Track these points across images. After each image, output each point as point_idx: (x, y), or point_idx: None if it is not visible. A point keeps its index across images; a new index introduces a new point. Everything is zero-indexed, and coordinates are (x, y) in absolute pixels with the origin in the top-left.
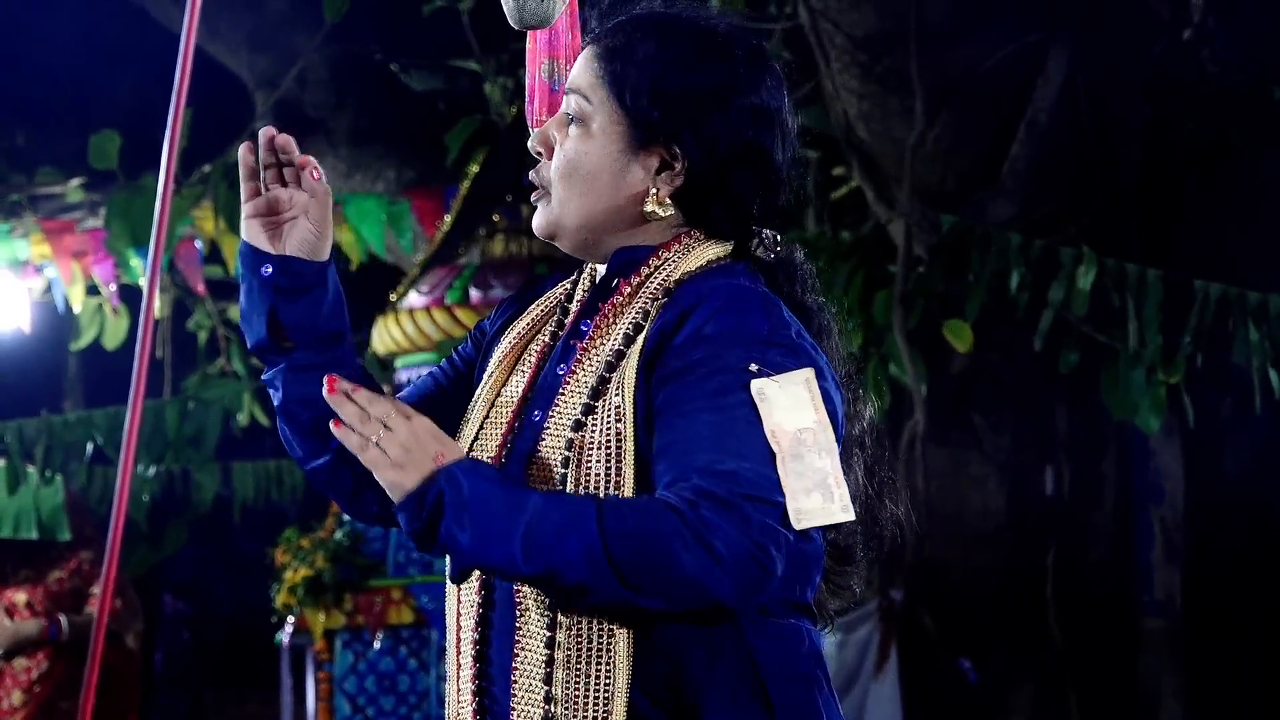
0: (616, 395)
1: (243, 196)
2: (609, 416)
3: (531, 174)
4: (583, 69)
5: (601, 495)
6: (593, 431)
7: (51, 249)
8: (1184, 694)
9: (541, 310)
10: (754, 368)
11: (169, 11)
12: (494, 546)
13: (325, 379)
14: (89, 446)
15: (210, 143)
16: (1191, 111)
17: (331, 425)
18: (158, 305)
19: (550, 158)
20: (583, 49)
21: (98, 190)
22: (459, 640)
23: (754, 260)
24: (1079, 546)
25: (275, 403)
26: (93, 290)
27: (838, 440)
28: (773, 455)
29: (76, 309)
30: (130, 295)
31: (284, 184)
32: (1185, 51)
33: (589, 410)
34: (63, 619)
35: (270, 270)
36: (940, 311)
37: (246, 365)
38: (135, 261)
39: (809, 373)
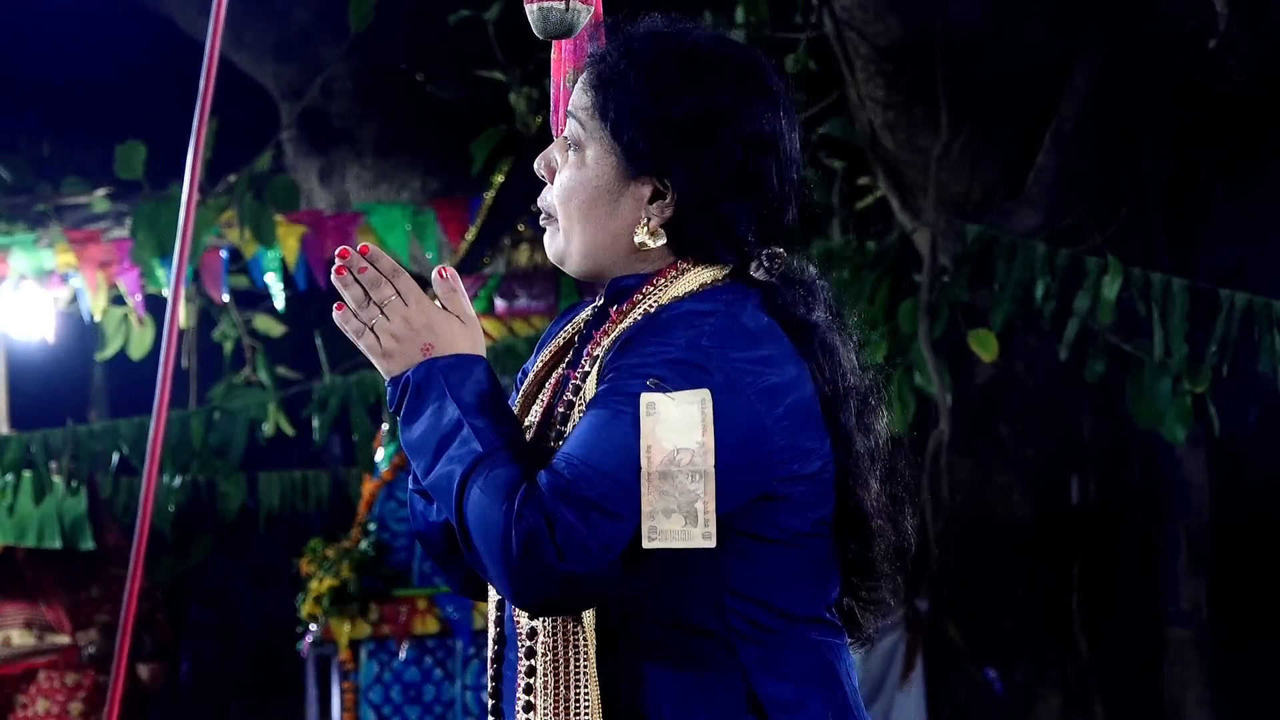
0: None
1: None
2: None
3: (539, 199)
4: (578, 93)
5: None
6: None
7: (77, 259)
8: (1210, 704)
9: (560, 342)
10: (652, 381)
11: (194, 22)
12: (418, 453)
13: (338, 251)
14: (114, 456)
15: (235, 153)
16: (1218, 120)
17: (335, 309)
18: (183, 315)
19: (553, 181)
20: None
21: (123, 200)
22: (488, 656)
23: (751, 281)
24: (1104, 556)
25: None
26: (118, 300)
27: (776, 465)
28: (637, 468)
29: (101, 319)
30: (156, 305)
31: None
32: (1211, 60)
33: (559, 436)
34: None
35: None
36: (965, 321)
37: (272, 375)
38: (161, 271)
39: (705, 394)
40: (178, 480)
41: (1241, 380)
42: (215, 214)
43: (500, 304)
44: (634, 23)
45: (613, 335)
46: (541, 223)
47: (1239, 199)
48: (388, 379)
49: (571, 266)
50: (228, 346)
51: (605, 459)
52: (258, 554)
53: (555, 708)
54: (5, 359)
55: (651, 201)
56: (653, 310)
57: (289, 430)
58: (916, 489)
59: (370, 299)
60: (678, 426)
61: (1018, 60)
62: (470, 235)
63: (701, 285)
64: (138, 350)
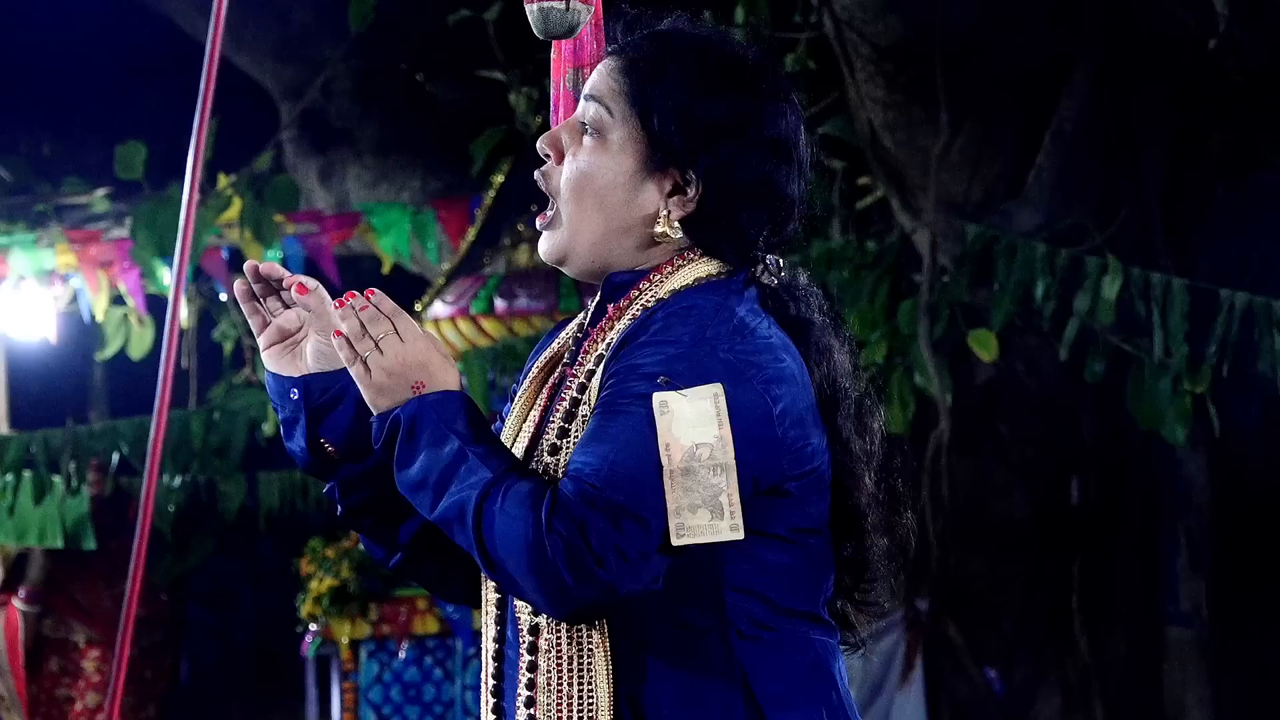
0: (587, 415)
1: (254, 330)
2: (579, 438)
3: (537, 174)
4: (605, 79)
5: None
6: (566, 455)
7: (77, 259)
8: (1210, 704)
9: (556, 346)
10: (662, 379)
11: (194, 22)
12: (418, 489)
13: (345, 295)
14: (115, 456)
15: (236, 153)
16: (1217, 120)
17: (332, 335)
18: (183, 315)
19: (560, 162)
20: (605, 56)
21: (123, 200)
22: (486, 654)
23: (746, 279)
24: (1104, 556)
25: (338, 514)
26: (118, 300)
27: (784, 456)
28: (659, 468)
29: (101, 319)
30: (156, 305)
31: (287, 306)
32: (1211, 61)
33: (563, 434)
34: None
35: (297, 393)
36: (965, 321)
37: None
38: (161, 271)
39: (717, 388)
40: (178, 480)
41: (1241, 380)
42: (215, 214)
43: (500, 304)
44: (659, 18)
45: (612, 332)
46: (539, 224)
47: (1239, 199)
48: (374, 414)
49: (576, 261)
50: (228, 346)
51: (628, 463)
52: (258, 554)
53: (559, 704)
54: (5, 359)
55: (672, 195)
56: (651, 305)
57: None
58: (916, 489)
59: (366, 332)
60: (693, 422)
61: (1018, 60)
62: (470, 235)
63: (697, 279)
64: (138, 350)
